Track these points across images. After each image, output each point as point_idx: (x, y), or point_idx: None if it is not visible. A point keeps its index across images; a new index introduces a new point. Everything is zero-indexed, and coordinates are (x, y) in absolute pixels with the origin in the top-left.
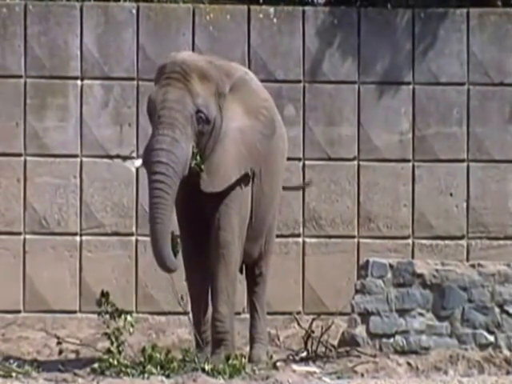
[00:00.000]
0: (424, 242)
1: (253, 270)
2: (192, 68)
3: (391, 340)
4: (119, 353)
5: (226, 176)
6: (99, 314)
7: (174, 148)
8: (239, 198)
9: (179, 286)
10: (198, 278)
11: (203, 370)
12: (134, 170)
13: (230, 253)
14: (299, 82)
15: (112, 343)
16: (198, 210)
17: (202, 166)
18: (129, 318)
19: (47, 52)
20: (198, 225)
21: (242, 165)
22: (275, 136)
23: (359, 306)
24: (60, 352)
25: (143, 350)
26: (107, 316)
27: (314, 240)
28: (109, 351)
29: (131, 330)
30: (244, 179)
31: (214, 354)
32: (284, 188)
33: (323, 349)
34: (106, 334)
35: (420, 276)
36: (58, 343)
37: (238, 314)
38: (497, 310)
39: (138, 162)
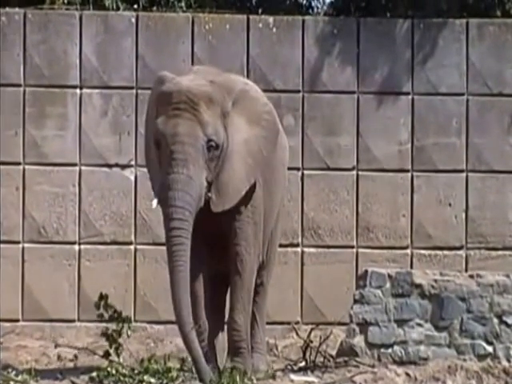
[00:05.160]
0: (423, 252)
1: (254, 280)
2: (199, 96)
3: (390, 350)
4: (117, 355)
5: (236, 192)
6: (99, 316)
7: (189, 187)
8: (251, 205)
9: None
10: (199, 287)
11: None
12: (153, 207)
13: (245, 265)
14: (298, 91)
15: (110, 345)
16: (210, 219)
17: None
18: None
19: (46, 61)
20: (209, 234)
21: (250, 176)
22: (277, 140)
23: (358, 316)
24: (58, 357)
25: (142, 361)
26: (106, 317)
27: (312, 250)
28: (107, 354)
29: (129, 332)
30: (252, 186)
31: (233, 361)
32: None
33: (321, 359)
34: (104, 334)
35: (419, 286)
36: (57, 346)
37: None
38: (495, 320)
39: (155, 202)
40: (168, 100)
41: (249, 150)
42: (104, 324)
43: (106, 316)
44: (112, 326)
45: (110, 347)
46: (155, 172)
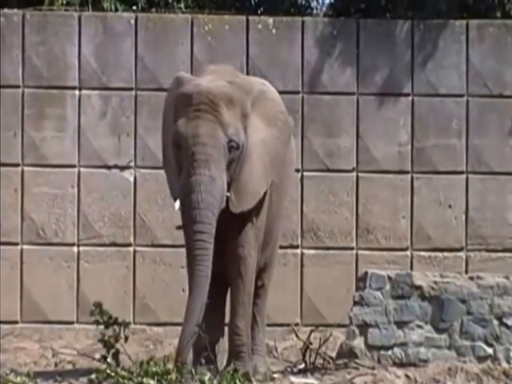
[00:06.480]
0: (423, 253)
1: (255, 282)
2: (219, 96)
3: (389, 352)
4: (116, 361)
5: (255, 193)
6: (95, 322)
7: (212, 188)
8: (255, 209)
9: (177, 296)
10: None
11: (201, 381)
12: (176, 209)
13: (247, 267)
14: (298, 92)
15: (108, 351)
16: (220, 220)
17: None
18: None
19: (45, 62)
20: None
21: (268, 177)
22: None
23: (357, 318)
24: (55, 363)
25: (141, 363)
26: (102, 325)
27: (312, 251)
28: (104, 358)
29: (127, 334)
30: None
31: (234, 365)
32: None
33: (321, 361)
34: (101, 341)
35: (419, 288)
36: (54, 355)
37: None
38: (495, 322)
39: (177, 205)
40: (188, 101)
41: (267, 151)
42: (102, 326)
43: (102, 322)
44: (108, 332)
45: (108, 353)
46: (173, 174)
